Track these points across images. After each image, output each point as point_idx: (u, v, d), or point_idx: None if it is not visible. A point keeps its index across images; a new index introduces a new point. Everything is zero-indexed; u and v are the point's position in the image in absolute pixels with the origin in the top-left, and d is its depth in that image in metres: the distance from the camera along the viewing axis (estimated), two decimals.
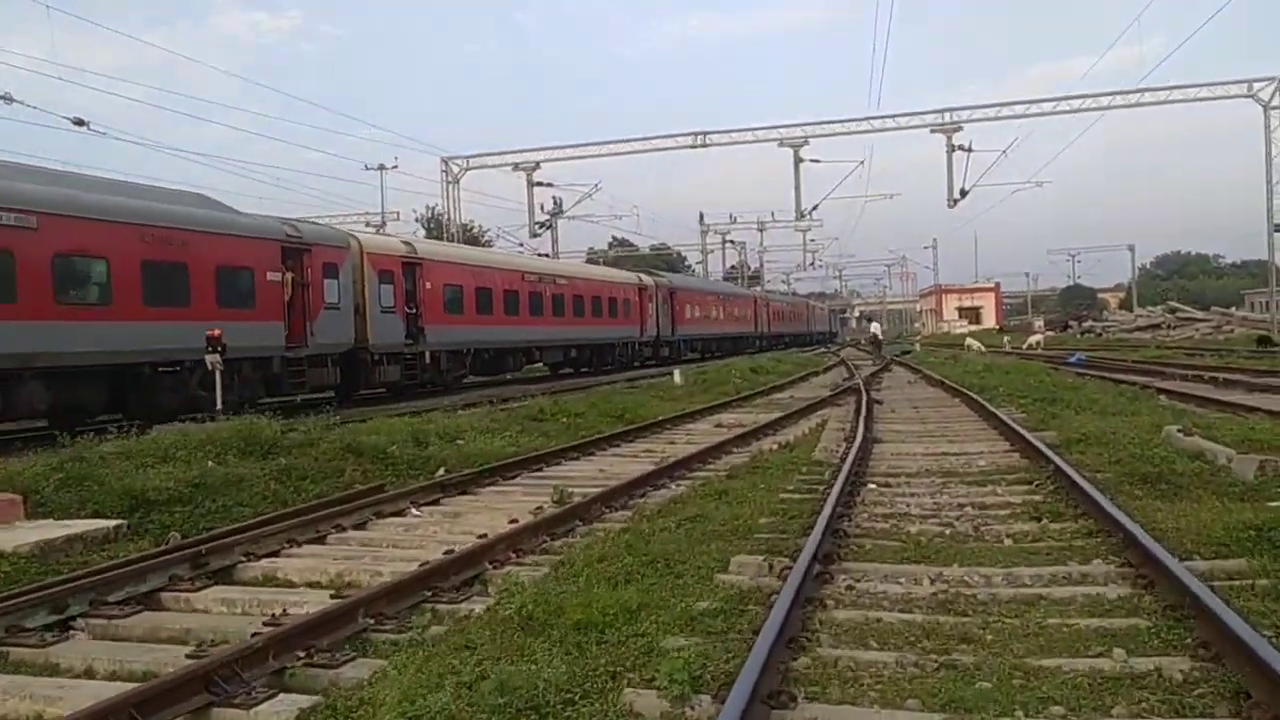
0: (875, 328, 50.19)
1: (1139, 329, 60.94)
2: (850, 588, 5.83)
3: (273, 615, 5.77)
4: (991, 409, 15.94)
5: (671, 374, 25.82)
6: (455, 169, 43.55)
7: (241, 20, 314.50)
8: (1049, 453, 10.07)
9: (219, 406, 16.79)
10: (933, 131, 40.09)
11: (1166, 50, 74.39)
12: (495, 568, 6.86)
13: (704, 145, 41.84)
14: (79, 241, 15.93)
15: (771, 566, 6.29)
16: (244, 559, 7.20)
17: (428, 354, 25.41)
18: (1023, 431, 12.36)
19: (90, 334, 15.73)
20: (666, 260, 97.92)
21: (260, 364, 19.61)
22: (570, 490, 9.53)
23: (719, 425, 16.32)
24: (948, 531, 7.31)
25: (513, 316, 30.12)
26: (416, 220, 70.89)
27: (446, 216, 44.09)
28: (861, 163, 43.17)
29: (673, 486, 10.02)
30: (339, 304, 21.77)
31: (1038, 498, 8.49)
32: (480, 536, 7.72)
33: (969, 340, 47.51)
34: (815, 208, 43.79)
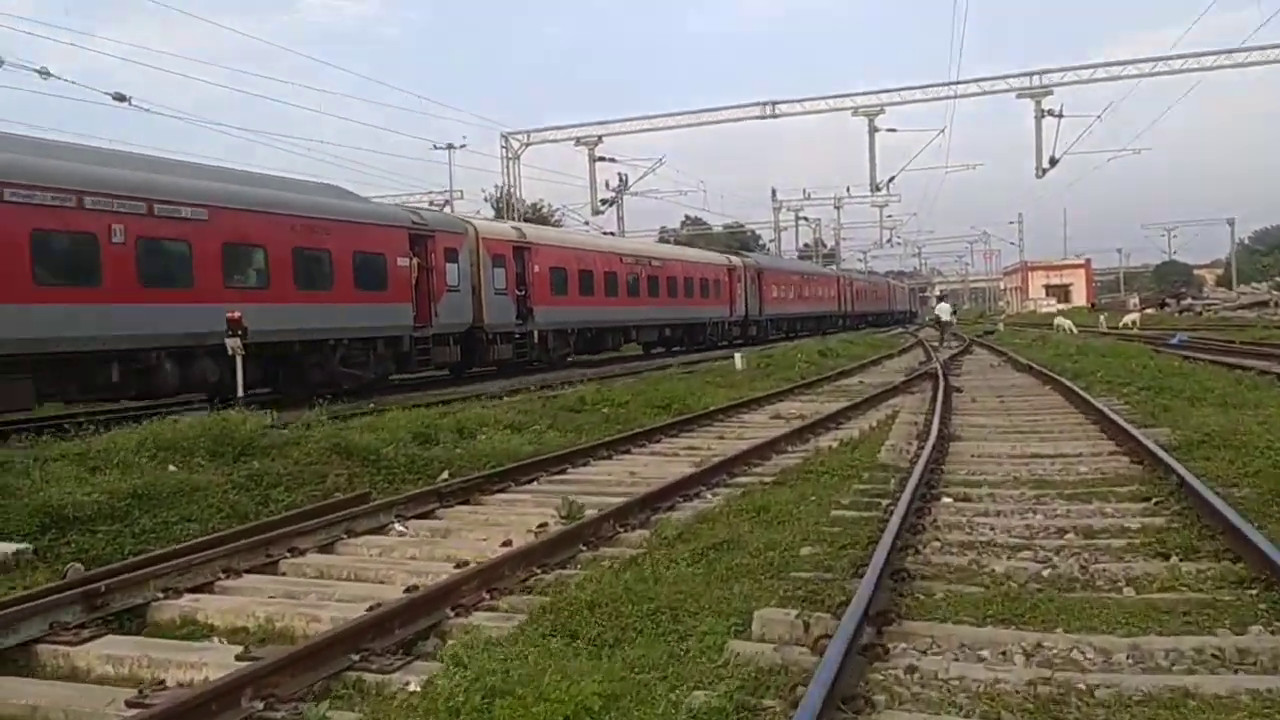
0: (944, 309, 42.77)
1: (1242, 307, 57.06)
2: (912, 669, 4.23)
3: (139, 691, 4.40)
4: (1089, 398, 14.04)
5: (732, 357, 24.16)
6: (515, 144, 42.31)
7: (324, 5, 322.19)
8: (1167, 458, 8.26)
9: (240, 394, 15.92)
10: (1019, 96, 37.49)
11: (1270, 12, 69.14)
12: (459, 615, 5.42)
13: (774, 116, 39.84)
14: (243, 232, 17.48)
15: (807, 627, 4.73)
16: (161, 595, 5.87)
17: (536, 333, 26.85)
18: (1129, 428, 10.54)
19: (253, 315, 16.67)
20: (740, 239, 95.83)
21: (392, 342, 21.13)
22: (586, 501, 8.09)
23: (776, 417, 14.69)
24: (1046, 573, 5.64)
25: (612, 297, 31.41)
26: (485, 200, 69.99)
27: (509, 194, 42.86)
28: (942, 131, 40.70)
29: (708, 496, 8.50)
30: (459, 286, 23.16)
31: (1159, 521, 6.73)
32: (458, 566, 6.32)
33: (1058, 319, 44.63)
34: (892, 180, 41.48)
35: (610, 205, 45.16)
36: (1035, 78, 37.18)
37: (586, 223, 48.01)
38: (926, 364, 24.16)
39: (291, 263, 18.26)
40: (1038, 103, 37.24)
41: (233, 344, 15.69)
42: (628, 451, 11.44)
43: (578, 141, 41.67)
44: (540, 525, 7.48)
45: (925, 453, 9.51)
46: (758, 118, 39.94)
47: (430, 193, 55.29)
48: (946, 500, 7.78)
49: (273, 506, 7.89)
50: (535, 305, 26.46)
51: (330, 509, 7.74)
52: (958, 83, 38.12)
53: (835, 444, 11.17)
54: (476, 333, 24.02)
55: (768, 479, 9.07)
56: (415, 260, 21.57)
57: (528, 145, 42.38)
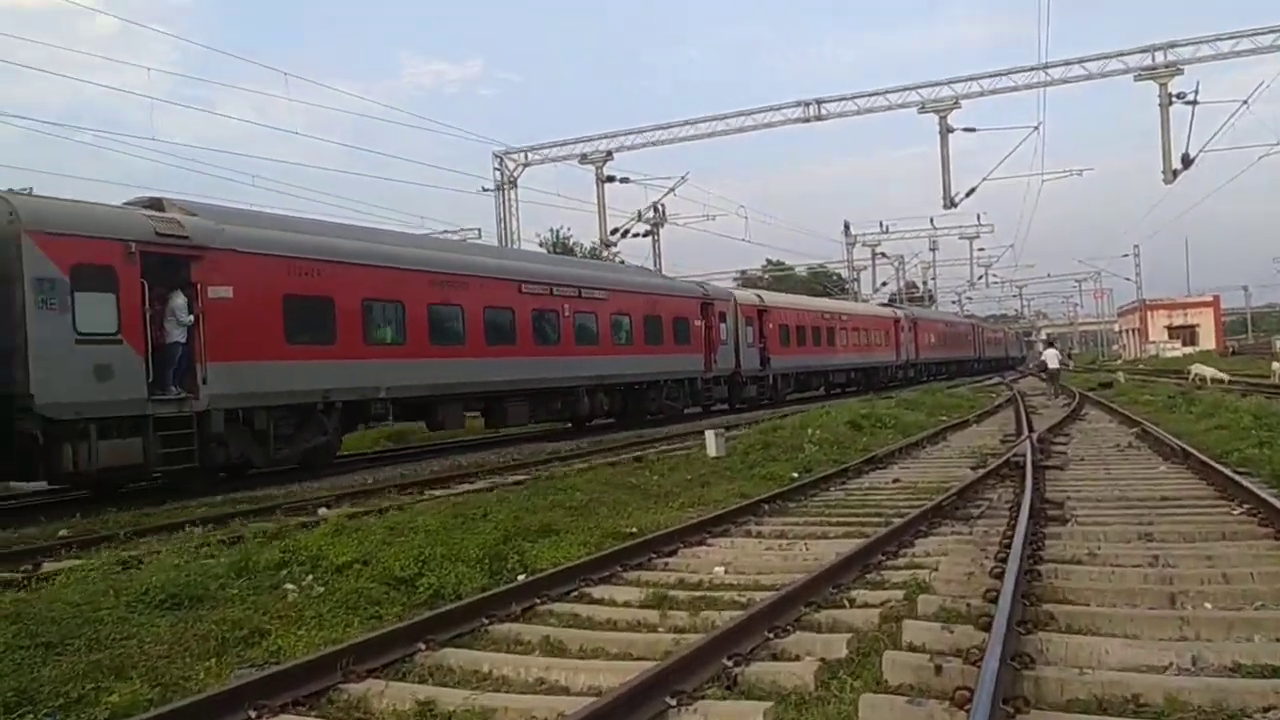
0: (1051, 355, 35.97)
1: None
2: None
3: None
4: None
5: (704, 436, 16.27)
6: (511, 165, 35.44)
7: (426, 71, 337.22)
8: None
9: None
10: (1138, 79, 29.01)
11: None
12: None
13: (819, 118, 32.12)
14: (621, 306, 25.66)
15: None
16: None
17: (771, 376, 34.41)
18: None
19: (624, 364, 25.40)
20: (822, 283, 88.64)
21: (690, 383, 29.00)
22: None
23: (674, 587, 6.87)
24: None
25: (817, 347, 38.60)
26: (539, 243, 63.99)
27: (503, 225, 35.83)
28: (1036, 128, 32.34)
29: None
30: (727, 341, 30.96)
31: None
32: None
33: (1196, 367, 35.20)
34: (972, 191, 33.04)
35: (624, 237, 37.88)
36: (1159, 54, 28.69)
37: (607, 256, 40.95)
38: (1013, 441, 15.88)
39: (643, 326, 26.33)
40: (1163, 86, 28.70)
41: None
42: None
43: (583, 158, 34.54)
44: None
45: None
46: (800, 120, 32.23)
47: (462, 229, 49.33)
48: None
49: None
50: (771, 355, 33.95)
51: None
52: (1053, 65, 29.76)
53: None
54: (736, 376, 31.60)
55: None
56: (704, 321, 29.35)
57: (525, 165, 35.46)
